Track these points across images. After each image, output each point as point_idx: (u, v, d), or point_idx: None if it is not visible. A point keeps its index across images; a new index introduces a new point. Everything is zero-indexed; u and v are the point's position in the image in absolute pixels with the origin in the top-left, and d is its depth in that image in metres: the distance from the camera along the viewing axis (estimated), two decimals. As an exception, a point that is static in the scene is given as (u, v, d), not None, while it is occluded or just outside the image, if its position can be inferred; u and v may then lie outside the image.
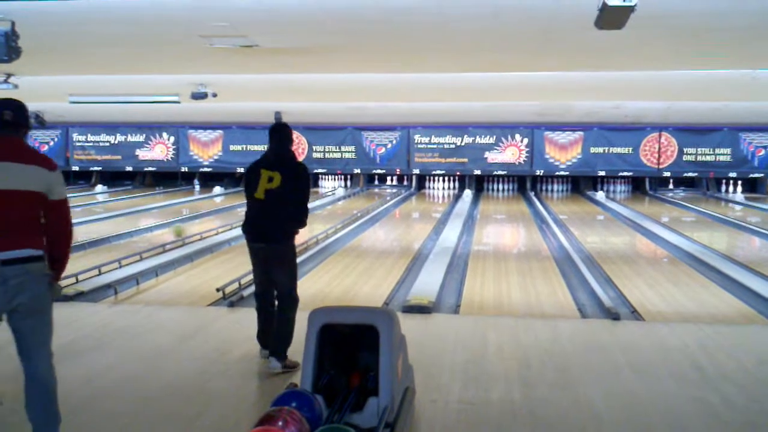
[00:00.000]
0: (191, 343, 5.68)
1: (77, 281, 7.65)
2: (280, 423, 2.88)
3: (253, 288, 7.39)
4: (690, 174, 20.82)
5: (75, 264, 8.86)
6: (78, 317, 6.39)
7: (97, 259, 9.07)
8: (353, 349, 3.85)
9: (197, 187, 22.43)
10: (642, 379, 4.92)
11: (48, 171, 3.44)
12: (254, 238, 5.12)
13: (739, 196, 20.79)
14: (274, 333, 5.06)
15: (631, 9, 5.55)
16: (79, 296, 7.17)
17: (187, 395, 4.55)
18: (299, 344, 3.80)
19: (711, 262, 9.47)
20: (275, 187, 4.97)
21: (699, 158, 20.38)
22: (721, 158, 20.29)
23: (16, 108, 3.50)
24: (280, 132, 5.21)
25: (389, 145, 21.34)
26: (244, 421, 3.96)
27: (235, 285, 7.62)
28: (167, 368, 5.07)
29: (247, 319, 6.45)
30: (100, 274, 8.14)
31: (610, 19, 6.01)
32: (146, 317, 6.49)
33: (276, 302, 5.21)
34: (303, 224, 5.14)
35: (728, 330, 6.27)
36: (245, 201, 5.20)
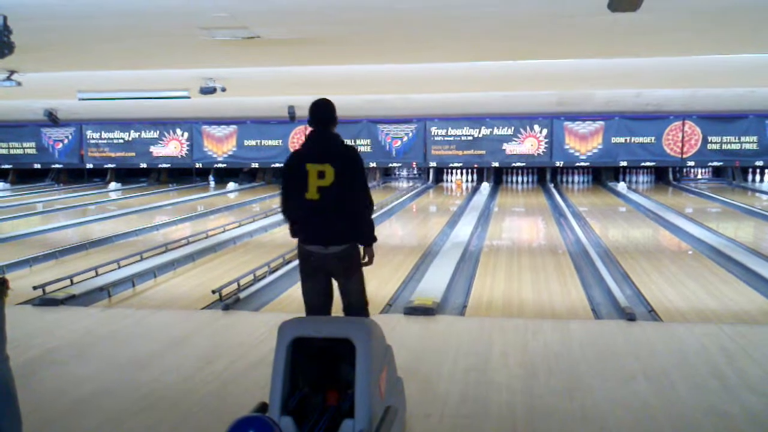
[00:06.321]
0: (177, 351, 5.36)
1: (72, 283, 7.38)
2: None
3: (251, 289, 7.18)
4: (715, 163, 20.18)
5: (73, 265, 8.66)
6: (64, 323, 6.11)
7: (98, 259, 8.82)
8: (333, 362, 3.51)
9: (212, 184, 22.18)
10: (656, 387, 4.54)
11: None
12: (313, 239, 4.32)
13: (767, 185, 20.15)
14: None
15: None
16: (71, 300, 6.88)
17: (162, 410, 4.24)
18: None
19: (735, 256, 9.00)
20: (329, 184, 4.23)
21: (724, 147, 19.72)
22: (747, 146, 19.57)
23: None
24: (322, 111, 4.44)
25: (405, 138, 20.89)
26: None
27: (234, 286, 7.31)
28: (147, 379, 4.75)
29: (241, 323, 6.19)
30: (96, 275, 7.88)
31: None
32: (135, 322, 6.18)
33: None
34: (372, 208, 4.48)
35: (752, 331, 5.83)
36: (284, 199, 4.46)
